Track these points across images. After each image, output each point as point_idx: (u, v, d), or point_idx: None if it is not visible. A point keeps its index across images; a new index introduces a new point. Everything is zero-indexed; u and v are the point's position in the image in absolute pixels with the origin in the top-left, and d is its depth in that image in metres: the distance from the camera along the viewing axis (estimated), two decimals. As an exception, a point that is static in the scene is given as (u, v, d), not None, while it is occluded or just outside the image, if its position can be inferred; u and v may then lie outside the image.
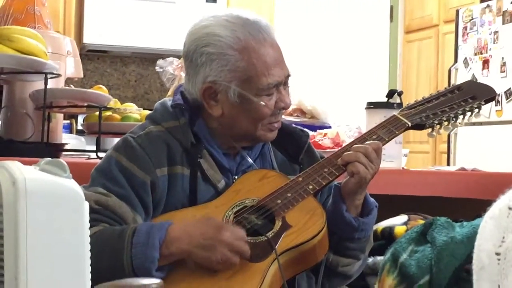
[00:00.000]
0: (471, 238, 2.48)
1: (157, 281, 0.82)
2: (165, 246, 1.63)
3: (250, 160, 1.87)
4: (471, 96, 1.93)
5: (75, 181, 1.16)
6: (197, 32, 1.81)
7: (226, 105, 1.80)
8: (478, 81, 5.54)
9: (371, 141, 1.82)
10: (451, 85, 2.01)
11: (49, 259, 1.10)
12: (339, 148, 2.82)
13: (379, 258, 2.41)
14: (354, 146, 1.82)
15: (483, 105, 1.93)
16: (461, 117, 1.92)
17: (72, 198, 1.12)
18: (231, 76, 1.77)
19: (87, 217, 1.15)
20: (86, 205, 1.15)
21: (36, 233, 1.09)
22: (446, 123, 1.91)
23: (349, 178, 1.79)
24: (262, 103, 1.78)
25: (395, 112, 1.93)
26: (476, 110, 1.93)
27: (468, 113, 1.93)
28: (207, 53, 1.78)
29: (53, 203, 1.10)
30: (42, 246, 1.09)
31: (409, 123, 1.87)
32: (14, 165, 1.14)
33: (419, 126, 1.89)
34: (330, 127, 3.18)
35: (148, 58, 6.48)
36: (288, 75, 1.84)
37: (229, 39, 1.76)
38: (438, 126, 1.91)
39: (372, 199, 1.86)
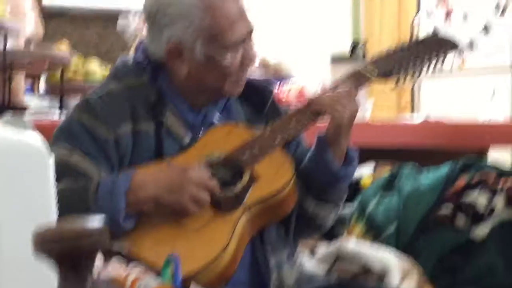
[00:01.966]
0: (437, 185, 2.52)
1: (100, 223, 0.82)
2: (131, 193, 1.63)
3: (215, 115, 1.86)
4: (434, 47, 1.94)
5: (38, 136, 1.15)
6: None
7: (192, 64, 1.78)
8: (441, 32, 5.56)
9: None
10: (413, 37, 2.01)
11: (13, 216, 1.08)
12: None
13: (346, 207, 2.43)
14: (324, 95, 1.82)
15: (446, 55, 1.94)
16: (425, 67, 1.93)
17: (35, 153, 1.11)
18: (196, 35, 1.75)
19: (52, 172, 1.14)
20: (50, 160, 1.14)
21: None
22: (410, 74, 1.91)
23: (327, 127, 1.80)
24: (228, 60, 1.77)
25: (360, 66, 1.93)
26: (440, 61, 1.93)
27: (432, 64, 1.93)
28: (170, 13, 1.76)
29: (15, 159, 1.09)
30: (5, 204, 1.08)
31: (372, 77, 1.87)
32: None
33: (384, 76, 1.89)
34: (293, 77, 3.17)
35: (109, 17, 6.39)
36: (252, 30, 1.82)
37: None
38: (403, 77, 1.91)
39: (353, 148, 1.86)
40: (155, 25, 1.79)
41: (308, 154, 1.85)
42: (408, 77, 1.92)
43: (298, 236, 1.96)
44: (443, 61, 1.93)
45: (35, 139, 1.12)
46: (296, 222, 1.87)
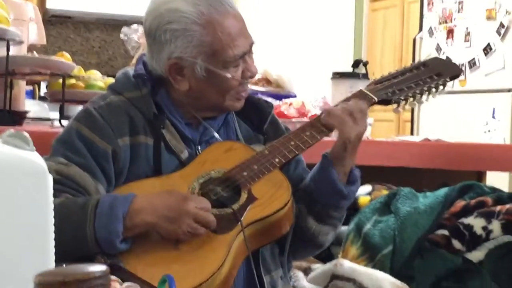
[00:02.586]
0: (434, 208, 2.52)
1: (103, 268, 0.81)
2: (129, 218, 1.62)
3: (213, 131, 1.86)
4: (436, 72, 1.94)
5: (38, 154, 1.15)
6: (158, 9, 1.78)
7: (193, 79, 1.79)
8: (443, 50, 5.57)
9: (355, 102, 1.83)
10: (415, 54, 2.02)
11: (12, 234, 1.08)
12: (305, 118, 2.85)
13: (343, 228, 2.42)
14: (336, 107, 1.82)
15: (448, 81, 1.94)
16: (426, 93, 1.93)
17: (36, 171, 1.11)
18: (197, 52, 1.76)
19: (51, 191, 1.14)
20: (50, 179, 1.14)
21: (-1, 208, 1.08)
22: (411, 99, 1.92)
23: (335, 143, 1.80)
24: (229, 75, 1.78)
25: (361, 86, 1.93)
26: (441, 87, 1.94)
27: (433, 90, 1.94)
28: (171, 30, 1.76)
29: (16, 177, 1.09)
30: (4, 221, 1.08)
31: (376, 98, 1.87)
32: (-24, 138, 1.12)
33: (385, 102, 1.90)
34: (295, 96, 3.18)
35: (112, 24, 6.41)
36: (252, 43, 1.83)
37: (192, 14, 1.75)
38: (403, 102, 1.92)
39: (356, 168, 1.86)
40: (155, 41, 1.79)
41: (312, 172, 1.85)
42: (410, 100, 1.92)
43: (297, 255, 1.97)
44: (444, 86, 1.94)
45: (35, 157, 1.13)
46: (297, 240, 1.87)
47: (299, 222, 1.86)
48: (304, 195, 1.85)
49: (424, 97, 1.93)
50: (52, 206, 1.14)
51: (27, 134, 1.15)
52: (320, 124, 1.83)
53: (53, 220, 1.14)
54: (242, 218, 1.68)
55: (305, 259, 2.19)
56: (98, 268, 0.79)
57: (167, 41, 1.77)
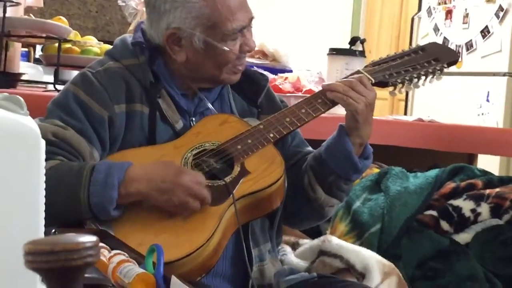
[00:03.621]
0: (423, 189, 2.53)
1: (93, 238, 0.81)
2: (123, 186, 1.62)
3: (208, 102, 1.86)
4: (434, 58, 1.94)
5: (32, 119, 1.15)
6: None
7: (191, 51, 1.78)
8: (441, 31, 5.56)
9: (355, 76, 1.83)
10: (413, 34, 2.02)
11: (2, 198, 1.08)
12: (299, 93, 2.85)
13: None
14: (338, 82, 1.82)
15: (445, 68, 1.94)
16: (423, 78, 1.93)
17: (29, 136, 1.11)
18: (196, 23, 1.75)
19: (43, 156, 1.14)
20: (43, 144, 1.14)
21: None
22: (408, 82, 1.92)
23: (345, 116, 1.80)
24: (227, 48, 1.77)
25: (358, 63, 1.93)
26: (438, 72, 1.94)
27: (430, 74, 1.94)
28: (171, 0, 1.76)
29: (8, 140, 1.09)
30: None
31: (373, 80, 1.87)
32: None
33: (381, 84, 1.90)
34: (291, 70, 3.18)
35: (110, -11, 6.36)
36: (252, 18, 1.82)
37: None
38: (400, 85, 1.92)
39: (369, 145, 1.87)
40: (155, 10, 1.79)
41: (326, 143, 1.85)
42: (406, 84, 1.92)
43: (299, 224, 2.01)
44: (441, 72, 1.94)
45: (29, 121, 1.12)
46: (302, 210, 1.89)
47: (307, 193, 1.87)
48: (316, 166, 1.85)
49: (421, 81, 1.93)
50: (44, 171, 1.13)
51: (21, 98, 1.15)
52: (319, 101, 1.83)
53: (44, 185, 1.14)
54: (234, 191, 1.68)
55: (294, 233, 2.21)
56: (88, 238, 0.79)
57: (166, 11, 1.76)
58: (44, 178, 1.14)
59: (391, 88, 1.92)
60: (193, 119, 1.85)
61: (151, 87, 1.79)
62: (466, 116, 4.98)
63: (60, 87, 2.51)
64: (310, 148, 1.97)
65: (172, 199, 1.63)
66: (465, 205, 2.45)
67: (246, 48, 1.82)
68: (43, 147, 1.14)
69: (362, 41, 3.07)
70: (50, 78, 2.84)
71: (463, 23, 5.40)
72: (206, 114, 1.86)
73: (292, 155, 1.93)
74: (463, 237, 2.41)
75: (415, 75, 1.92)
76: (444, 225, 2.43)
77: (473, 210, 2.43)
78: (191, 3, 1.75)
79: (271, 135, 1.78)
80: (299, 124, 1.81)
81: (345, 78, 1.87)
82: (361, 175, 1.91)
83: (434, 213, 2.45)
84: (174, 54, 1.80)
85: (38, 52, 4.22)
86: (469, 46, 5.31)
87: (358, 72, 1.88)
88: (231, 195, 1.68)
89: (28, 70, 3.45)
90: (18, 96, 1.15)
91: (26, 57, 4.52)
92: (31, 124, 1.12)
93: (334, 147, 1.82)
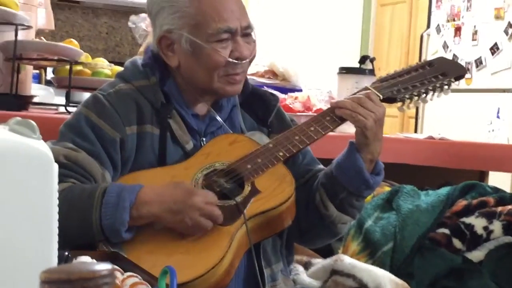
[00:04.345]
0: (435, 206, 2.53)
1: (108, 266, 0.81)
2: (135, 208, 1.63)
3: (220, 120, 1.86)
4: (441, 72, 1.94)
5: (44, 143, 1.16)
6: None
7: (181, 54, 1.80)
8: (450, 48, 5.57)
9: (363, 92, 1.83)
10: (422, 51, 2.02)
11: (16, 222, 1.09)
12: (310, 112, 2.85)
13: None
14: (346, 99, 1.82)
15: (453, 82, 1.94)
16: (431, 92, 1.93)
17: (42, 160, 1.12)
18: (182, 23, 1.77)
19: (56, 180, 1.14)
20: (56, 168, 1.14)
21: (3, 195, 1.08)
22: (416, 98, 1.92)
23: (355, 133, 1.81)
24: (214, 50, 1.76)
25: (367, 82, 1.94)
26: (446, 86, 1.94)
27: (438, 89, 1.94)
28: (159, 2, 1.80)
29: (22, 165, 1.10)
30: (8, 209, 1.08)
31: (381, 96, 1.87)
32: (-17, 125, 1.13)
33: (390, 100, 1.89)
34: (301, 90, 3.18)
35: (120, 11, 6.40)
36: (248, 27, 1.81)
37: None
38: (408, 101, 1.92)
39: (380, 161, 1.86)
40: (151, 16, 1.85)
41: (337, 160, 1.85)
42: (414, 99, 1.92)
43: (313, 243, 2.00)
44: (449, 87, 1.94)
45: (41, 145, 1.13)
46: (314, 228, 1.89)
47: (319, 210, 1.86)
48: (328, 183, 1.85)
49: (429, 96, 1.93)
50: (57, 195, 1.14)
51: (33, 123, 1.16)
52: (327, 118, 1.83)
53: (57, 209, 1.14)
54: (245, 211, 1.69)
55: (306, 253, 2.21)
56: (103, 266, 0.79)
57: (156, 13, 1.81)
58: (57, 202, 1.14)
59: (399, 104, 1.92)
60: (204, 139, 1.85)
61: (161, 108, 1.80)
62: (477, 133, 4.97)
63: (71, 109, 2.53)
64: (321, 166, 1.97)
65: (184, 220, 1.63)
66: (478, 222, 2.44)
67: (236, 54, 1.79)
68: (56, 171, 1.14)
69: (372, 60, 3.07)
70: (62, 100, 2.86)
71: (472, 40, 5.41)
72: (217, 134, 1.87)
73: (303, 173, 1.93)
74: (476, 255, 2.39)
75: (423, 90, 1.92)
76: (457, 243, 2.42)
77: (485, 228, 2.42)
78: (175, 3, 1.78)
79: (281, 153, 1.78)
80: (308, 142, 1.81)
81: (353, 95, 1.87)
82: (373, 191, 1.90)
83: (447, 231, 2.44)
84: (168, 60, 1.82)
85: (50, 74, 4.24)
86: (479, 62, 5.31)
87: (366, 88, 1.89)
88: (243, 215, 1.68)
89: (39, 92, 3.46)
90: (30, 120, 1.16)
91: (37, 78, 4.54)
92: (44, 148, 1.13)
93: (344, 163, 1.82)
